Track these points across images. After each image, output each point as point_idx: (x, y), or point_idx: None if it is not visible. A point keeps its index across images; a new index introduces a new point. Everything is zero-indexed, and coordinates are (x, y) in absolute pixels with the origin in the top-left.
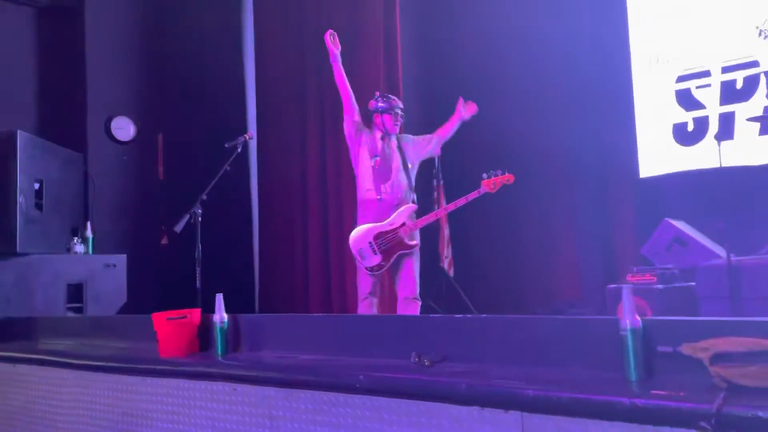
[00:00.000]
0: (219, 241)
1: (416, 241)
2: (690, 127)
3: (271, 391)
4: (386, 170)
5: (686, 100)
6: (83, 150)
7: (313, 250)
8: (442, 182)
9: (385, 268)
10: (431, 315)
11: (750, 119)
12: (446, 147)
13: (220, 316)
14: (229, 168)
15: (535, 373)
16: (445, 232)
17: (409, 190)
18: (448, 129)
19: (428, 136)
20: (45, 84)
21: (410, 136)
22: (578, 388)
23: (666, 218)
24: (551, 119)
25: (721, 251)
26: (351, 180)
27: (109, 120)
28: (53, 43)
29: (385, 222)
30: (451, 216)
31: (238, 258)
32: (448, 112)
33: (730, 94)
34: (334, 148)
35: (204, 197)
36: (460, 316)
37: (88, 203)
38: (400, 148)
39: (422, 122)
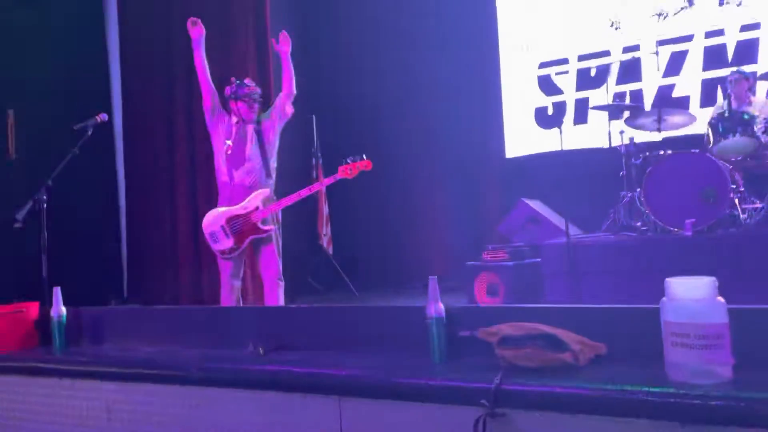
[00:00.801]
0: (75, 228)
1: (270, 226)
2: (550, 111)
3: (109, 386)
4: (240, 155)
5: (547, 85)
6: None
7: (182, 236)
8: (321, 161)
9: (238, 252)
10: (270, 306)
11: (595, 108)
12: (324, 127)
13: (57, 309)
14: (77, 151)
15: (356, 359)
16: (324, 210)
17: (265, 174)
18: (286, 74)
19: (279, 99)
20: None
21: (270, 110)
22: (389, 372)
23: (522, 198)
24: (423, 103)
25: (569, 228)
26: None
27: None
28: None
29: (239, 206)
30: (330, 195)
31: (99, 246)
32: (325, 90)
33: (585, 81)
34: (203, 129)
35: (49, 183)
36: (295, 305)
37: None
38: (258, 131)
39: (300, 95)
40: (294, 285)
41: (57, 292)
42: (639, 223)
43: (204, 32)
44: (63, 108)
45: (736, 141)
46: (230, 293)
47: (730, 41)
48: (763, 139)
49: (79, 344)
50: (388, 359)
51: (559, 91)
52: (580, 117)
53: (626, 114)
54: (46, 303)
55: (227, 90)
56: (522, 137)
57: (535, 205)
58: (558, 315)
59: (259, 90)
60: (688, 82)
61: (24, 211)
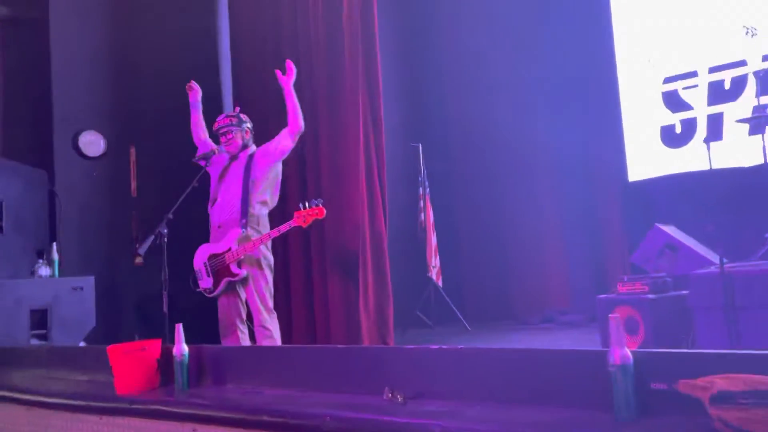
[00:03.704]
0: (191, 263)
1: (242, 270)
2: (678, 129)
3: None
4: (213, 193)
5: (673, 101)
6: (50, 166)
7: (302, 267)
8: (428, 190)
9: (216, 293)
10: (406, 346)
11: (739, 120)
12: (431, 156)
13: (180, 348)
14: (197, 185)
15: (514, 414)
16: (433, 240)
17: (241, 213)
18: (290, 106)
19: (281, 133)
20: (8, 99)
21: (266, 145)
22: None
23: (656, 224)
24: (538, 124)
25: (713, 257)
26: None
27: (77, 135)
28: (17, 55)
29: (220, 244)
30: (438, 224)
31: None
32: (433, 112)
33: (717, 94)
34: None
35: (170, 216)
36: (437, 347)
37: (54, 223)
38: (249, 164)
39: (406, 123)
40: (403, 318)
41: (179, 329)
42: None
43: (200, 95)
44: (177, 141)
45: None
46: (235, 339)
47: None
48: None
49: (201, 384)
50: (555, 415)
51: (689, 107)
52: (714, 133)
53: None
54: (167, 340)
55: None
56: (646, 159)
57: (671, 230)
58: None
59: (230, 120)
60: None
61: (146, 245)
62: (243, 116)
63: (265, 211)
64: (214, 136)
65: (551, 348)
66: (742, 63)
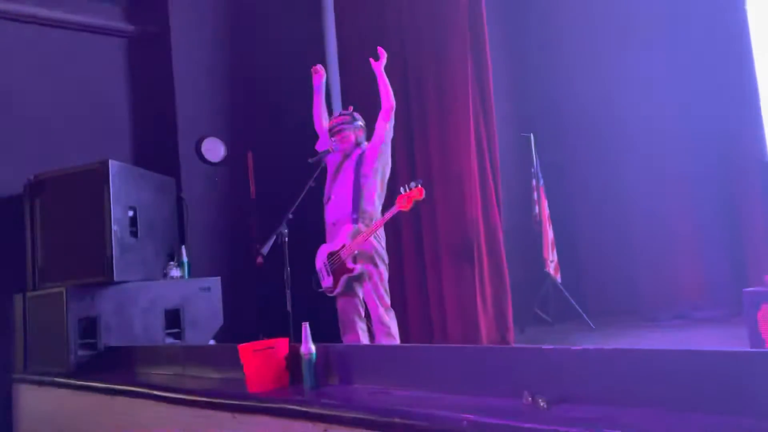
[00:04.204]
0: (311, 261)
1: (357, 265)
2: None
3: None
4: (327, 192)
5: None
6: (176, 173)
7: (416, 263)
8: (542, 182)
9: (337, 291)
10: (545, 346)
11: None
12: (545, 144)
13: (308, 347)
14: (314, 184)
15: (674, 422)
16: (549, 235)
17: (352, 209)
18: (381, 87)
19: (377, 122)
20: (137, 111)
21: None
22: None
23: None
24: (662, 104)
25: None
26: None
27: (199, 142)
28: (143, 70)
29: (335, 241)
30: (555, 217)
31: None
32: (545, 100)
33: None
34: (437, 145)
35: (290, 216)
36: (580, 348)
37: (183, 227)
38: (360, 160)
39: (517, 113)
40: (521, 316)
41: (306, 328)
42: None
43: (324, 78)
44: (291, 144)
45: None
46: (356, 337)
47: None
48: None
49: (328, 383)
50: (730, 424)
51: None
52: None
53: None
54: (292, 339)
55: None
56: None
57: None
58: None
59: (343, 118)
60: None
61: (268, 245)
62: (356, 115)
63: (378, 206)
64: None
65: (694, 348)
66: None
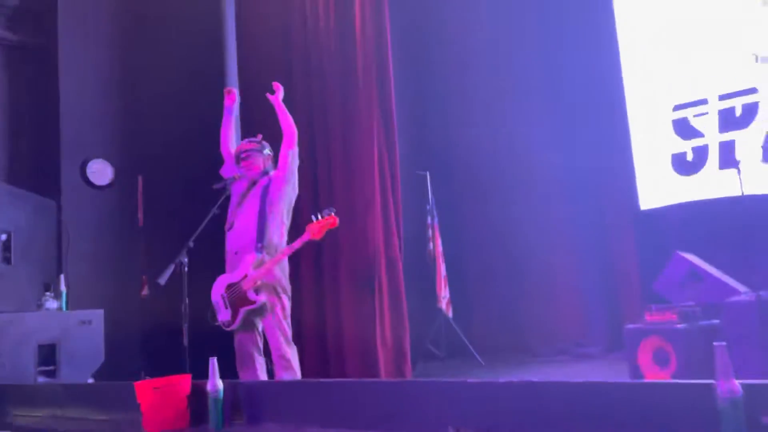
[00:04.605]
0: (207, 293)
1: (260, 297)
2: (689, 157)
3: None
4: (230, 219)
5: (684, 129)
6: (57, 196)
7: (314, 295)
8: (436, 219)
9: (234, 326)
10: (469, 380)
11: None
12: (439, 182)
13: (214, 383)
14: (218, 211)
15: None
16: (442, 271)
17: (257, 237)
18: (281, 122)
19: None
20: (14, 126)
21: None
22: None
23: (677, 251)
24: (546, 152)
25: (740, 286)
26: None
27: (84, 163)
28: (24, 82)
29: (236, 272)
30: (448, 254)
31: None
32: (439, 141)
33: (729, 121)
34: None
35: (191, 244)
36: (505, 380)
37: (62, 254)
38: (266, 187)
39: (412, 151)
40: (413, 350)
41: (213, 363)
42: None
43: (238, 101)
44: (186, 169)
45: None
46: (254, 372)
47: None
48: None
49: (235, 422)
50: None
51: (700, 135)
52: (727, 161)
53: None
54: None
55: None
56: (657, 187)
57: (694, 259)
58: None
59: (252, 145)
60: None
61: (166, 275)
62: (265, 143)
63: (284, 236)
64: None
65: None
66: (753, 90)
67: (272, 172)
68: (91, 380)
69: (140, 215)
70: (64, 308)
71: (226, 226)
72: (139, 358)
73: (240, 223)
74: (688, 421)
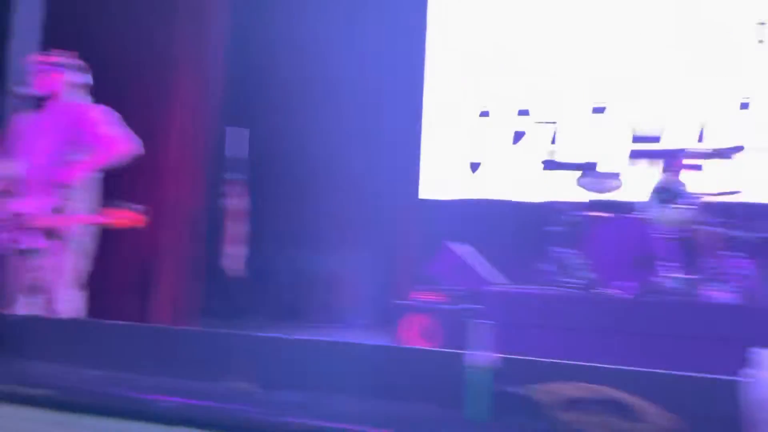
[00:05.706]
0: None
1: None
2: (477, 160)
3: (46, 415)
4: None
5: (478, 136)
6: None
7: None
8: (234, 177)
9: None
10: (254, 333)
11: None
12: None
13: None
14: None
15: (370, 409)
16: (232, 229)
17: None
18: None
19: None
20: None
21: None
22: (416, 428)
23: (446, 242)
24: (341, 143)
25: (497, 277)
26: None
27: None
28: None
29: None
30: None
31: None
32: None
33: (518, 136)
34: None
35: None
36: (289, 337)
37: None
38: None
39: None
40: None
41: None
42: (574, 280)
43: None
44: None
45: (674, 211)
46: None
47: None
48: (695, 211)
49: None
50: (409, 410)
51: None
52: (513, 170)
53: (578, 173)
54: None
55: None
56: (440, 181)
57: (459, 249)
58: (622, 378)
59: None
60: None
61: None
62: None
63: None
64: None
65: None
66: (525, 113)
67: None
68: None
69: None
70: None
71: None
72: None
73: None
74: (438, 382)
